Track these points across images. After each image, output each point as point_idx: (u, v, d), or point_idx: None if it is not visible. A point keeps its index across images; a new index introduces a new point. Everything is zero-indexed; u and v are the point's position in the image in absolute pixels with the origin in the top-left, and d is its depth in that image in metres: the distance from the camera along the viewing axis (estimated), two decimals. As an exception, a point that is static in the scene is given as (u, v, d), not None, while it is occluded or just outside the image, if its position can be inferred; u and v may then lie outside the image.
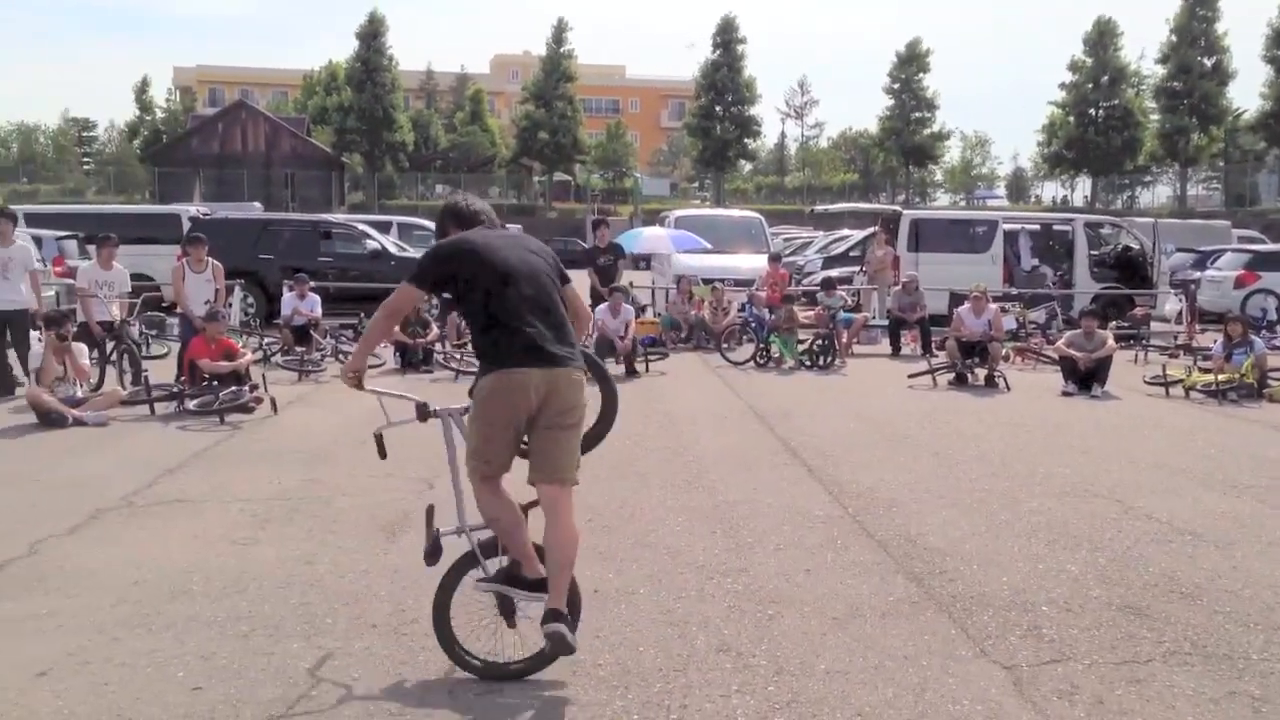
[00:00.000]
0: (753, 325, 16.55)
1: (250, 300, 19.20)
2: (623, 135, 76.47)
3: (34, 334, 13.94)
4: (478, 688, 4.26)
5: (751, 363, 15.34)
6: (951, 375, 13.75)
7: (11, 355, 11.75)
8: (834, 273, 22.66)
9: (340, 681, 4.28)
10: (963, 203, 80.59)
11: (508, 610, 4.44)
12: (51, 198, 57.14)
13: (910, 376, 13.73)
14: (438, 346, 14.79)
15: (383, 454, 4.61)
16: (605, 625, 4.95)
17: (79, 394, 10.45)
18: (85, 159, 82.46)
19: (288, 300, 15.62)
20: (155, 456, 8.65)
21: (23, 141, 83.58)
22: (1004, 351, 14.79)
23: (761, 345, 15.64)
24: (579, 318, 4.62)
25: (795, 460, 8.83)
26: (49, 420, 9.86)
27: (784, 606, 5.24)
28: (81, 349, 10.92)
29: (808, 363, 15.22)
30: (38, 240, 20.26)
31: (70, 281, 16.89)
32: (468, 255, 4.32)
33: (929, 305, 17.27)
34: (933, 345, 16.35)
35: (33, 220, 23.36)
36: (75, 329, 11.15)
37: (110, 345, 12.33)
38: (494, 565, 4.41)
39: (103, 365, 12.13)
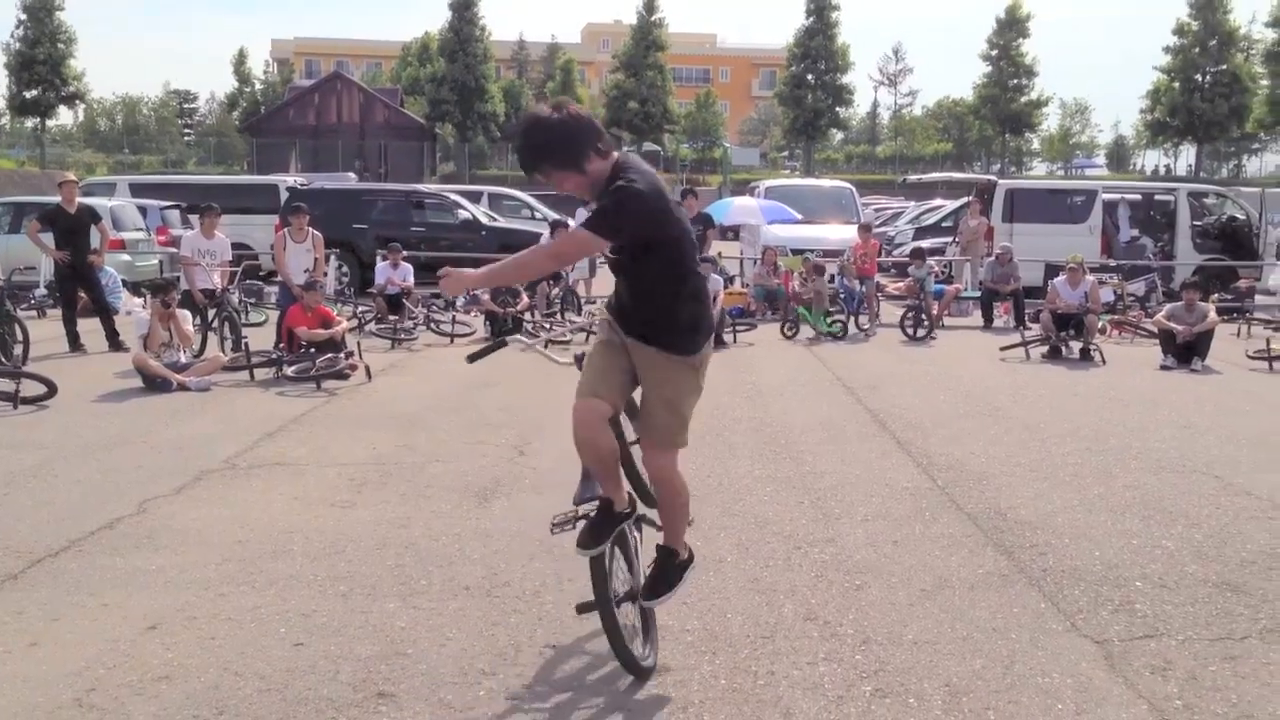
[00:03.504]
0: (843, 297, 16.42)
1: (345, 269, 19.56)
2: (712, 104, 76.02)
3: (137, 300, 14.41)
4: (567, 649, 4.35)
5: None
6: (1045, 348, 13.51)
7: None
8: (925, 244, 22.36)
9: (435, 641, 4.39)
10: (1060, 172, 78.69)
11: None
12: (154, 168, 58.71)
13: (1002, 349, 13.51)
14: (527, 316, 14.93)
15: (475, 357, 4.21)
16: (692, 592, 4.97)
17: (183, 359, 10.79)
18: (186, 130, 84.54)
19: (381, 269, 15.90)
20: (255, 421, 8.90)
21: (127, 113, 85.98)
22: (1100, 324, 14.46)
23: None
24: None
25: (884, 432, 8.78)
26: (154, 385, 10.20)
27: (871, 577, 5.23)
28: (185, 315, 11.25)
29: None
30: (142, 210, 20.97)
31: (174, 250, 17.43)
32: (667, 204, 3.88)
33: (1023, 277, 16.96)
34: (1026, 318, 16.07)
35: (137, 190, 24.14)
36: (179, 296, 11.49)
37: (212, 312, 12.69)
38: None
39: (204, 332, 12.50)
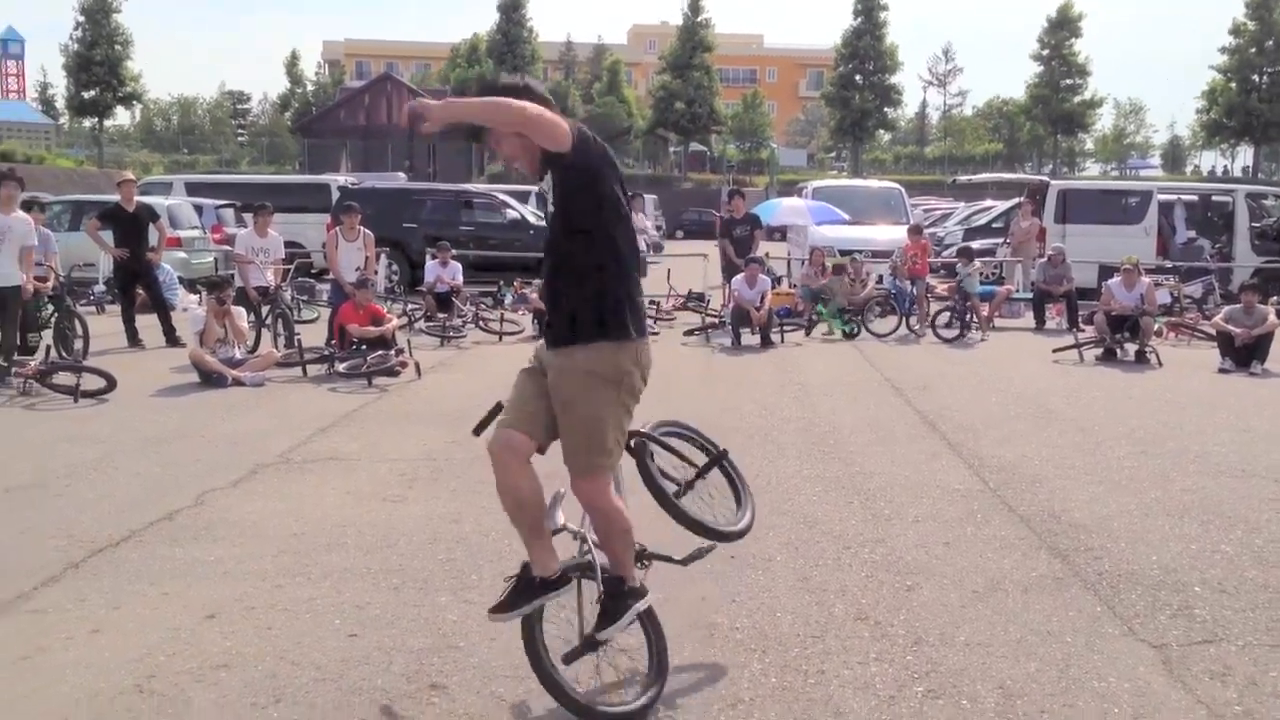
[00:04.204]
0: (894, 297, 16.33)
1: (395, 267, 19.73)
2: (759, 105, 75.85)
3: (192, 297, 14.62)
4: (625, 643, 4.35)
5: (892, 334, 15.15)
6: (1099, 351, 13.34)
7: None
8: (976, 244, 22.15)
9: (486, 635, 4.42)
10: (1114, 173, 77.66)
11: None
12: (209, 168, 59.60)
13: (1055, 351, 13.36)
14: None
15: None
16: (742, 590, 5.00)
17: (237, 355, 10.94)
18: (240, 130, 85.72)
19: (431, 268, 16.02)
20: (308, 416, 9.01)
21: (182, 113, 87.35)
22: (1156, 327, 14.25)
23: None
24: None
25: (934, 433, 8.71)
26: (210, 380, 10.36)
27: (922, 578, 5.20)
28: (240, 312, 11.42)
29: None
30: (198, 208, 21.29)
31: (228, 248, 17.67)
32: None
33: (1076, 278, 16.75)
34: (1080, 320, 15.88)
35: (193, 189, 24.51)
36: (234, 293, 11.65)
37: (266, 309, 12.87)
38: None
39: (258, 328, 12.67)
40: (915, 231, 17.32)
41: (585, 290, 3.56)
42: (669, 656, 3.95)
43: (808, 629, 4.55)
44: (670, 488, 4.19)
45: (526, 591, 3.65)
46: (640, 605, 3.82)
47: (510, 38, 66.70)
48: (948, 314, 15.36)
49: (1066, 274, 16.54)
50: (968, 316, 15.25)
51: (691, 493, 4.33)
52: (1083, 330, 14.73)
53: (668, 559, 4.14)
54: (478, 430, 3.96)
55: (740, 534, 4.42)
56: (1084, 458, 7.84)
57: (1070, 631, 4.55)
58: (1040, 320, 16.63)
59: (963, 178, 36.19)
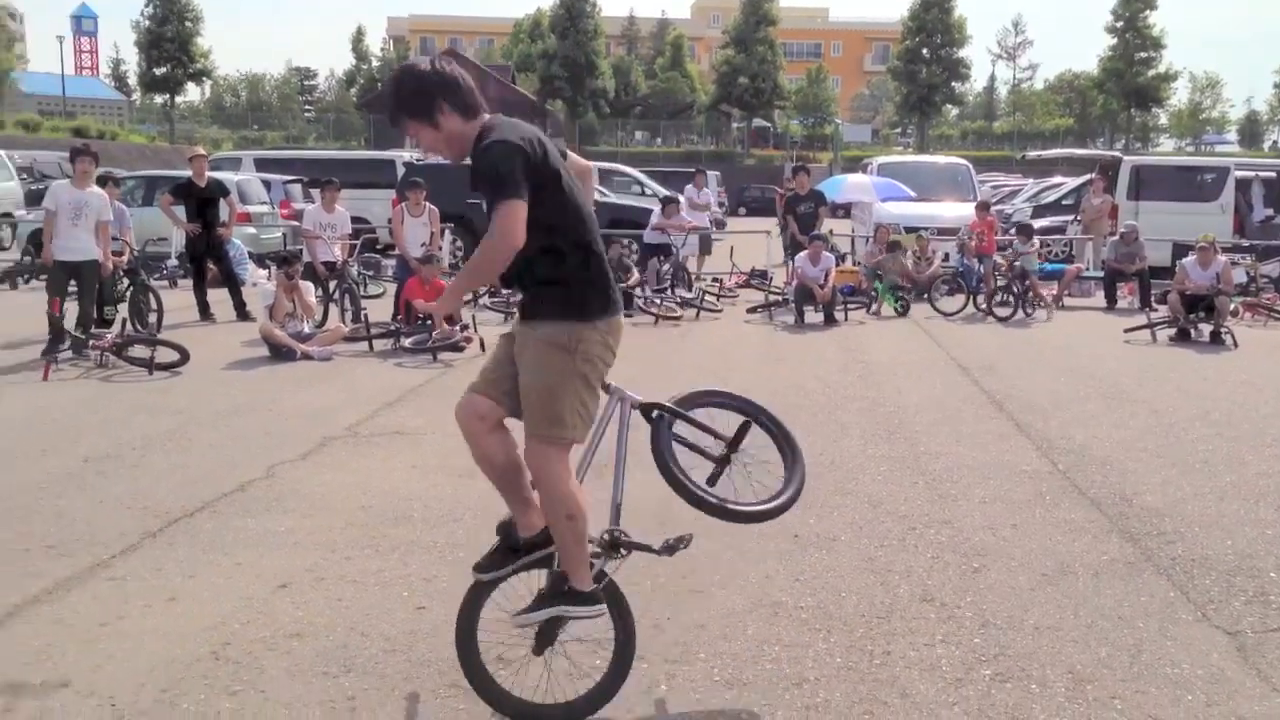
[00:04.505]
0: (961, 275, 16.13)
1: (459, 243, 19.84)
2: (824, 80, 75.12)
3: (261, 272, 14.83)
4: (689, 621, 4.37)
5: (960, 313, 14.97)
6: (1172, 331, 13.08)
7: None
8: (1045, 221, 21.79)
9: (552, 609, 4.45)
10: (1189, 148, 75.83)
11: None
12: (276, 144, 60.31)
13: (1127, 331, 13.11)
14: (637, 291, 14.96)
15: None
16: (806, 569, 4.99)
17: (306, 329, 11.09)
18: (307, 106, 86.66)
19: (496, 244, 16.02)
20: (375, 390, 9.12)
21: (250, 90, 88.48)
22: (1232, 306, 13.93)
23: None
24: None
25: (1001, 414, 8.60)
26: (279, 354, 10.52)
27: (990, 560, 5.15)
28: (308, 287, 11.56)
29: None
30: (266, 184, 21.56)
31: (296, 224, 17.89)
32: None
33: (1149, 256, 16.41)
34: (1152, 299, 15.56)
35: (261, 165, 24.84)
36: (301, 268, 11.80)
37: (333, 284, 13.02)
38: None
39: (326, 303, 12.83)
40: (983, 208, 17.08)
41: (540, 275, 3.49)
42: (629, 662, 3.67)
43: (873, 609, 4.53)
44: (693, 467, 3.93)
45: (506, 552, 3.62)
46: (570, 611, 3.53)
47: (573, 12, 66.59)
48: (1001, 293, 15.16)
49: (1139, 252, 16.21)
50: (1029, 295, 15.01)
51: (729, 469, 3.98)
52: (1155, 310, 14.44)
53: (647, 548, 3.76)
54: None
55: (776, 511, 3.91)
56: (1156, 440, 7.70)
57: (1142, 617, 4.48)
58: (1111, 299, 16.32)
59: (1032, 153, 35.53)
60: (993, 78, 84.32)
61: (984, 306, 15.24)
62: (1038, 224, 24.46)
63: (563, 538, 3.51)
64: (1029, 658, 4.08)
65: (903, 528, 5.65)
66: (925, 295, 15.76)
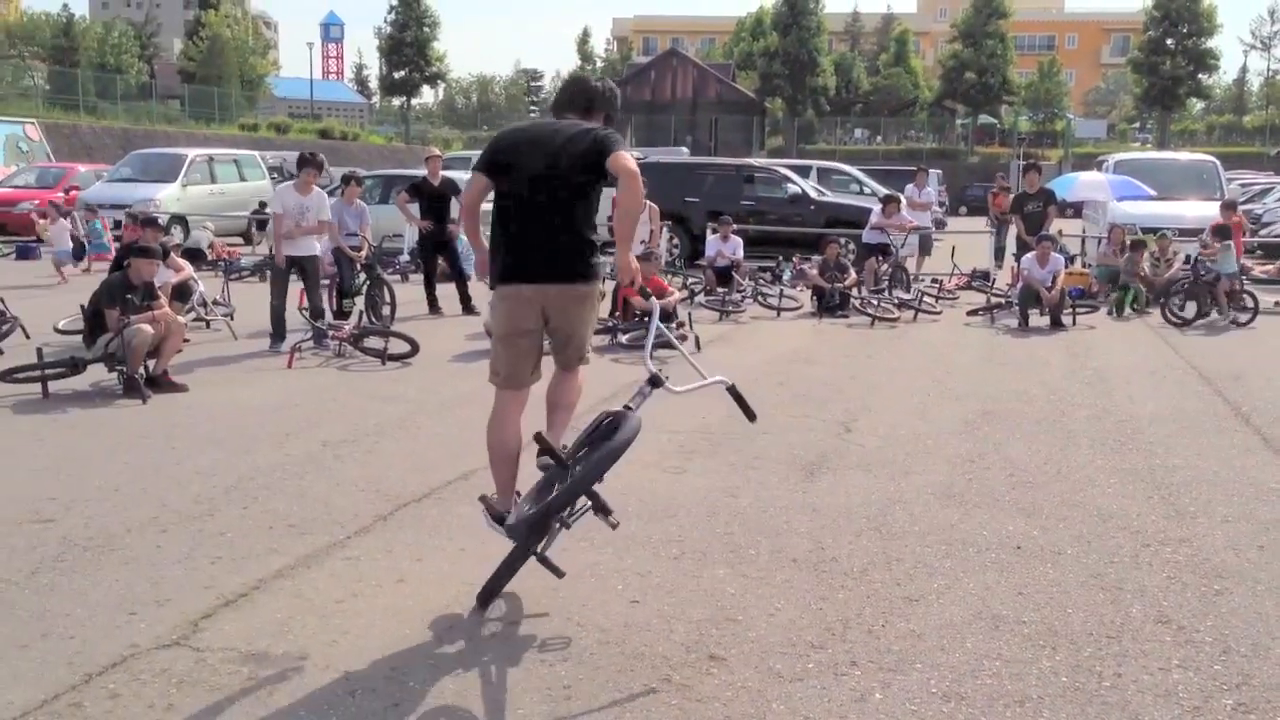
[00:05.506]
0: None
1: (676, 241, 20.03)
2: (1057, 74, 72.07)
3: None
4: (905, 629, 4.28)
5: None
6: None
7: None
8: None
9: (764, 610, 4.45)
10: None
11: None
12: (502, 145, 62.43)
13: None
14: (854, 292, 14.73)
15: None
16: (1029, 583, 4.80)
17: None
18: (532, 107, 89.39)
19: (712, 242, 16.17)
20: (592, 385, 9.17)
21: (481, 91, 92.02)
22: None
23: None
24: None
25: (1247, 426, 8.05)
26: (502, 347, 10.86)
27: (1233, 582, 4.83)
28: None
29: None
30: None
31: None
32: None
33: None
34: None
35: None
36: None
37: (553, 281, 13.34)
38: None
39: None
40: (1228, 207, 15.99)
41: None
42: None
43: (1101, 628, 4.31)
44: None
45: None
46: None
47: (796, 9, 66.16)
48: (1181, 296, 14.21)
49: None
50: (1209, 300, 14.07)
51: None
52: None
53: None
54: (751, 416, 4.66)
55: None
56: None
57: None
58: (1377, 306, 15.01)
59: (1287, 149, 33.07)
60: (1244, 69, 78.88)
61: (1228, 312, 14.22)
62: (1222, 223, 22.90)
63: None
64: (1276, 689, 3.80)
65: (1135, 544, 5.36)
66: (1162, 300, 14.88)
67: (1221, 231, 15.12)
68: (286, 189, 11.18)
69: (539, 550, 4.32)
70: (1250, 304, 14.13)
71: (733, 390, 4.54)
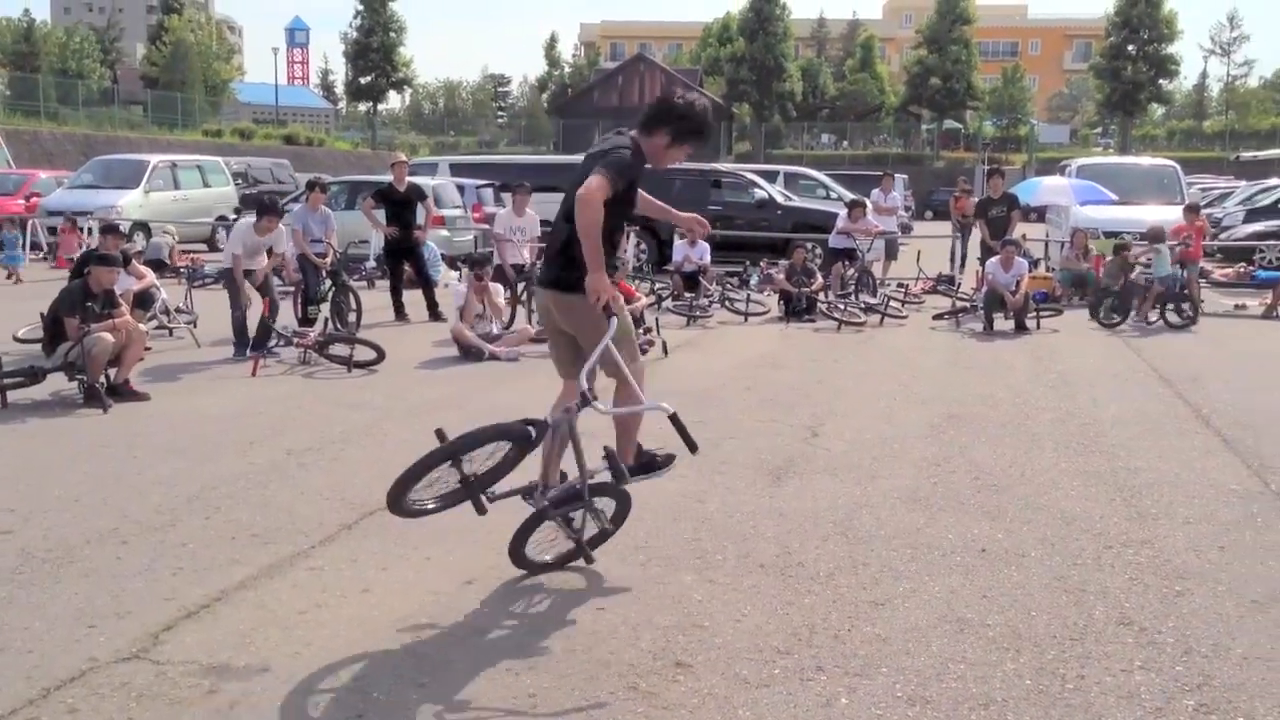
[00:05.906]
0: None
1: (643, 246, 20.04)
2: (1020, 79, 72.70)
3: (453, 274, 15.29)
4: (871, 633, 4.29)
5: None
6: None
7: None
8: (1259, 226, 20.50)
9: (730, 616, 4.45)
10: None
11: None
12: (470, 149, 62.37)
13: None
14: (821, 296, 14.79)
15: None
16: (994, 585, 4.82)
17: (494, 330, 11.40)
18: (500, 112, 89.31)
19: (679, 248, 16.18)
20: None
21: (447, 97, 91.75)
22: None
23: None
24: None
25: (1207, 429, 8.14)
26: (469, 354, 10.85)
27: (1194, 583, 4.87)
28: (497, 289, 11.88)
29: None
30: (460, 188, 22.25)
31: (487, 227, 18.41)
32: None
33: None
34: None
35: (456, 170, 25.63)
36: (492, 270, 12.13)
37: (521, 286, 13.33)
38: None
39: (514, 305, 13.14)
40: (1191, 210, 16.15)
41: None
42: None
43: (1065, 631, 4.34)
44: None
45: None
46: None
47: (763, 15, 66.44)
48: (1112, 298, 14.47)
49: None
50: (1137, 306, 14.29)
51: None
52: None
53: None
54: (693, 448, 4.73)
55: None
56: (1384, 462, 7.13)
57: (1366, 653, 4.16)
58: (1336, 309, 15.21)
59: (1247, 154, 33.53)
60: (1204, 75, 79.64)
61: (1189, 314, 14.38)
62: (1251, 228, 23.08)
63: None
64: (1237, 689, 3.84)
65: (1098, 546, 5.40)
66: (1091, 302, 14.97)
67: (1155, 235, 15.23)
68: (247, 230, 10.99)
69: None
70: (1189, 310, 14.24)
71: (674, 419, 4.49)
